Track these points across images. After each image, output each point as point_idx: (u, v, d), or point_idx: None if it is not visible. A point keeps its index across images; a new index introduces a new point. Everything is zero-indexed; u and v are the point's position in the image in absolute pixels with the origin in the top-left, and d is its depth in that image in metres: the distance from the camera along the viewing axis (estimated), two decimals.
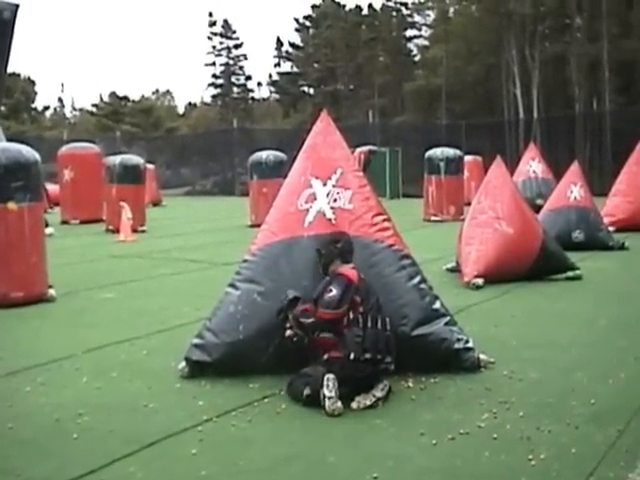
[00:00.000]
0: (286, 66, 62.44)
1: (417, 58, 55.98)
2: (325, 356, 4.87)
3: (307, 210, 5.64)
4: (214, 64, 61.94)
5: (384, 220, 5.69)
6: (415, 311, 5.36)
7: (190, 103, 76.11)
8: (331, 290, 4.92)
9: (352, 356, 4.73)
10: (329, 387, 4.58)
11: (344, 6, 57.50)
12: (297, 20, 60.45)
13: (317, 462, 3.94)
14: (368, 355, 4.75)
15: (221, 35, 61.45)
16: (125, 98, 64.80)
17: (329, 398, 4.55)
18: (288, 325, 5.03)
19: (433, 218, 18.98)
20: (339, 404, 4.57)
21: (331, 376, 4.61)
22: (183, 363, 5.44)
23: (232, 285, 5.61)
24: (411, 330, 5.30)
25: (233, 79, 62.34)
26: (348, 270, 5.08)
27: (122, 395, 5.07)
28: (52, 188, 22.69)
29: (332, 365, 4.76)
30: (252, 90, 64.87)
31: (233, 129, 41.26)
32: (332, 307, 4.87)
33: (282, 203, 5.85)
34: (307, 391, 4.69)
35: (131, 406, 4.82)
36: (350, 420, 4.51)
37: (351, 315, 4.86)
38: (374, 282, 5.18)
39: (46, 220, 11.91)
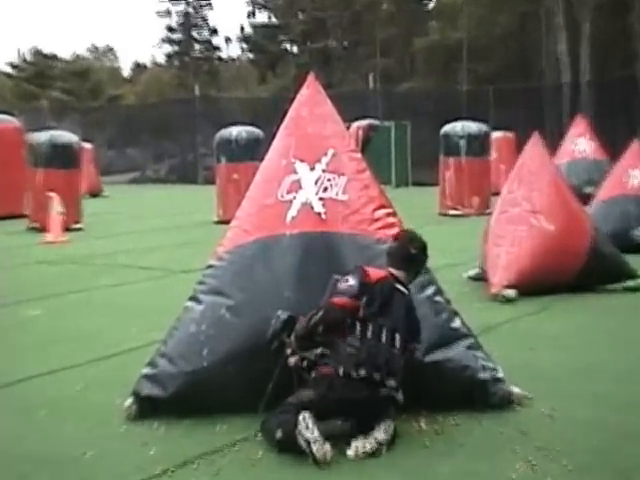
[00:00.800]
0: (262, 17, 62.66)
1: (431, 6, 56.16)
2: (313, 374, 4.89)
3: (290, 202, 5.66)
4: (169, 13, 61.95)
5: (388, 215, 5.71)
6: (428, 331, 5.34)
7: (138, 64, 76.12)
8: (347, 280, 4.97)
9: (341, 371, 4.75)
10: (308, 427, 4.56)
11: None
12: None
13: None
14: (362, 372, 4.75)
15: None
16: (53, 57, 64.73)
17: (314, 442, 4.53)
18: (289, 351, 5.03)
19: (451, 212, 19.06)
20: (327, 446, 4.55)
21: (307, 414, 4.61)
22: (130, 400, 5.43)
23: (194, 298, 5.63)
24: (424, 355, 5.30)
25: (194, 33, 62.34)
26: (374, 269, 5.11)
27: (51, 441, 5.05)
28: None
29: (318, 384, 4.79)
30: (219, 48, 65.02)
31: (194, 98, 41.32)
32: (349, 295, 4.89)
33: (258, 193, 5.87)
34: (279, 434, 4.67)
35: (63, 456, 4.79)
36: (345, 471, 4.50)
37: (348, 320, 4.88)
38: None
39: None
